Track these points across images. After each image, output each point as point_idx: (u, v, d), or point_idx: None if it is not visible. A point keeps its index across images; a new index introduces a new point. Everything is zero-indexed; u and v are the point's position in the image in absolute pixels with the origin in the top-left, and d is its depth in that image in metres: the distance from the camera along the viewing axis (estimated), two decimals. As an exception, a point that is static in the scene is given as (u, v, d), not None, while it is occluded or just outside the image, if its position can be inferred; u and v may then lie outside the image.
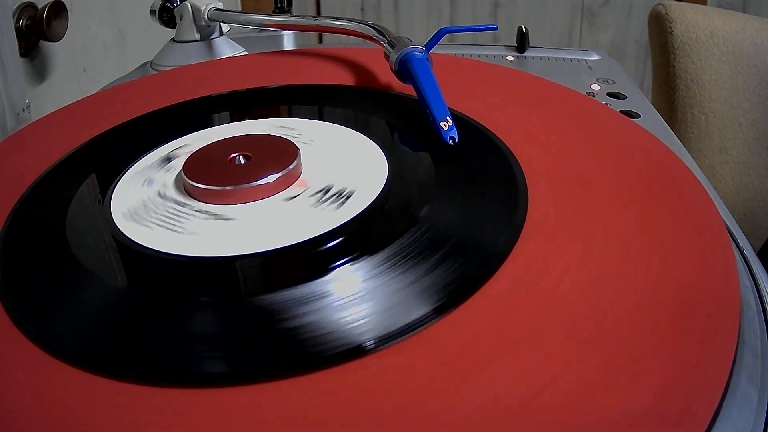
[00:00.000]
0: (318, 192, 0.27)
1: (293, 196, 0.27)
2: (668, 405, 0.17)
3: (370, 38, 0.39)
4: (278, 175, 0.27)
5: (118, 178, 0.30)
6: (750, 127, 0.68)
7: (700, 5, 0.73)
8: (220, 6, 0.50)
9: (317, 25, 0.44)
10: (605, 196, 0.26)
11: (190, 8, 0.49)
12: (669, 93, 0.70)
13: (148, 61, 0.52)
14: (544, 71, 0.49)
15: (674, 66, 0.69)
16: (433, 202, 0.26)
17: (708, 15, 0.69)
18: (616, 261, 0.23)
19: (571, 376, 0.18)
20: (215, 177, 0.27)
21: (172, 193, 0.28)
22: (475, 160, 0.29)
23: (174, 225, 0.26)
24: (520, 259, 0.23)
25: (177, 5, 0.50)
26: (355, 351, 0.20)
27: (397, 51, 0.35)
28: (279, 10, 0.60)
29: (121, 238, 0.26)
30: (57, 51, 0.61)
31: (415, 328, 0.20)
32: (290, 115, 0.35)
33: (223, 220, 0.26)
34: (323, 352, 0.20)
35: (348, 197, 0.26)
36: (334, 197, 0.27)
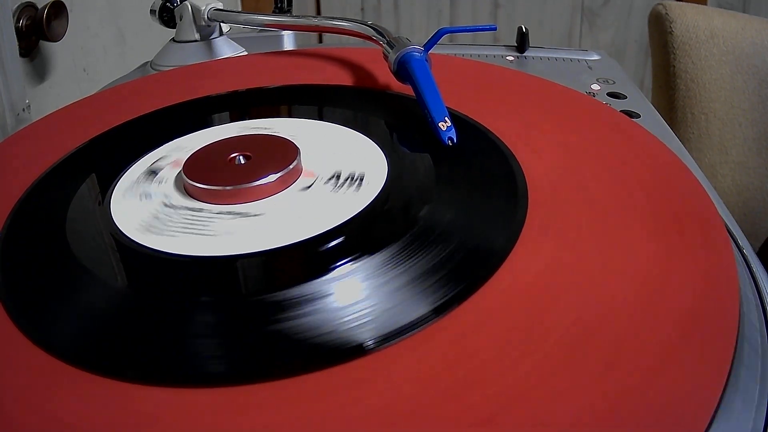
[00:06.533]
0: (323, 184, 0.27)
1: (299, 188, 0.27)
2: (668, 403, 0.17)
3: (370, 38, 0.39)
4: (278, 175, 0.27)
5: (118, 177, 0.30)
6: (750, 127, 0.68)
7: (700, 5, 0.73)
8: (220, 6, 0.50)
9: (317, 25, 0.44)
10: (605, 196, 0.26)
11: (190, 8, 0.49)
12: (669, 93, 0.70)
13: (148, 61, 0.52)
14: (544, 71, 0.49)
15: (674, 66, 0.69)
16: (433, 201, 0.26)
17: (708, 15, 0.69)
18: (615, 261, 0.23)
19: (570, 376, 0.18)
20: (215, 177, 0.27)
21: (172, 192, 0.28)
22: (475, 160, 0.29)
23: (173, 224, 0.26)
24: (519, 259, 0.23)
25: (177, 5, 0.50)
26: (355, 351, 0.20)
27: (396, 51, 0.35)
28: (279, 10, 0.60)
29: (121, 238, 0.26)
30: (57, 51, 0.61)
31: (415, 328, 0.20)
32: (290, 116, 0.35)
33: (223, 220, 0.26)
34: (324, 352, 0.20)
35: (350, 192, 0.26)
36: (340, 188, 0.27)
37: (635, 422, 0.17)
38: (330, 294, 0.22)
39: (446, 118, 0.30)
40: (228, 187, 0.27)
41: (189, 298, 0.23)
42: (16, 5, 0.53)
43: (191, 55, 0.49)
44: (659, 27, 0.70)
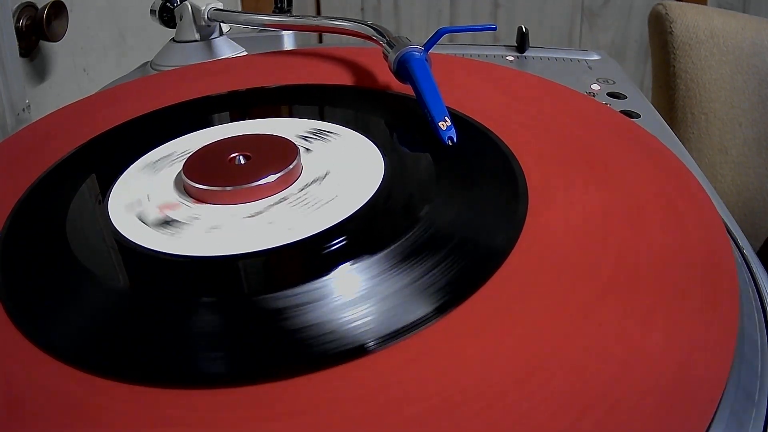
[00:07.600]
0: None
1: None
2: (668, 404, 0.17)
3: (370, 38, 0.39)
4: (278, 175, 0.27)
5: (117, 177, 0.30)
6: (750, 127, 0.68)
7: (700, 5, 0.73)
8: (220, 6, 0.50)
9: (317, 25, 0.44)
10: (606, 196, 0.26)
11: (190, 8, 0.49)
12: (669, 93, 0.70)
13: (148, 61, 0.52)
14: (544, 71, 0.49)
15: (674, 66, 0.69)
16: (434, 201, 0.26)
17: (708, 15, 0.69)
18: (615, 261, 0.23)
19: (571, 376, 0.18)
20: (215, 177, 0.27)
21: (172, 193, 0.28)
22: (475, 160, 0.29)
23: (173, 224, 0.26)
24: (520, 258, 0.23)
25: (177, 5, 0.50)
26: (356, 351, 0.20)
27: (396, 51, 0.35)
28: (279, 10, 0.60)
29: (121, 238, 0.26)
30: (57, 51, 0.61)
31: (416, 328, 0.20)
32: (290, 115, 0.35)
33: (223, 220, 0.26)
34: (324, 352, 0.20)
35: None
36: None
37: (634, 424, 0.17)
38: (330, 294, 0.22)
39: (446, 118, 0.30)
40: (228, 188, 0.27)
41: (189, 298, 0.23)
42: (16, 5, 0.53)
43: (191, 55, 0.49)
44: (659, 27, 0.70)
